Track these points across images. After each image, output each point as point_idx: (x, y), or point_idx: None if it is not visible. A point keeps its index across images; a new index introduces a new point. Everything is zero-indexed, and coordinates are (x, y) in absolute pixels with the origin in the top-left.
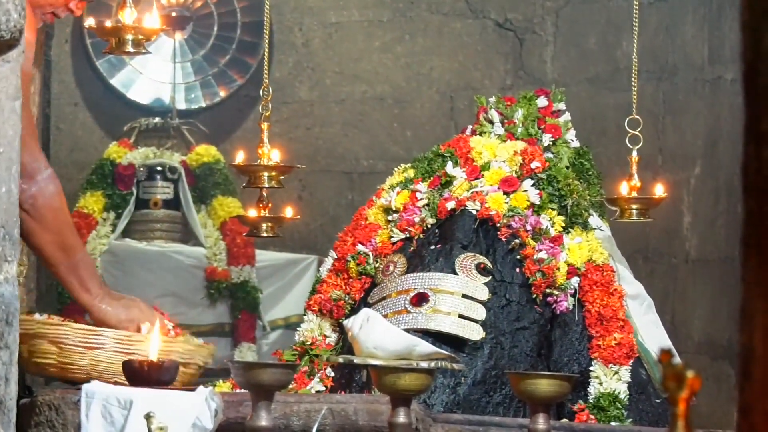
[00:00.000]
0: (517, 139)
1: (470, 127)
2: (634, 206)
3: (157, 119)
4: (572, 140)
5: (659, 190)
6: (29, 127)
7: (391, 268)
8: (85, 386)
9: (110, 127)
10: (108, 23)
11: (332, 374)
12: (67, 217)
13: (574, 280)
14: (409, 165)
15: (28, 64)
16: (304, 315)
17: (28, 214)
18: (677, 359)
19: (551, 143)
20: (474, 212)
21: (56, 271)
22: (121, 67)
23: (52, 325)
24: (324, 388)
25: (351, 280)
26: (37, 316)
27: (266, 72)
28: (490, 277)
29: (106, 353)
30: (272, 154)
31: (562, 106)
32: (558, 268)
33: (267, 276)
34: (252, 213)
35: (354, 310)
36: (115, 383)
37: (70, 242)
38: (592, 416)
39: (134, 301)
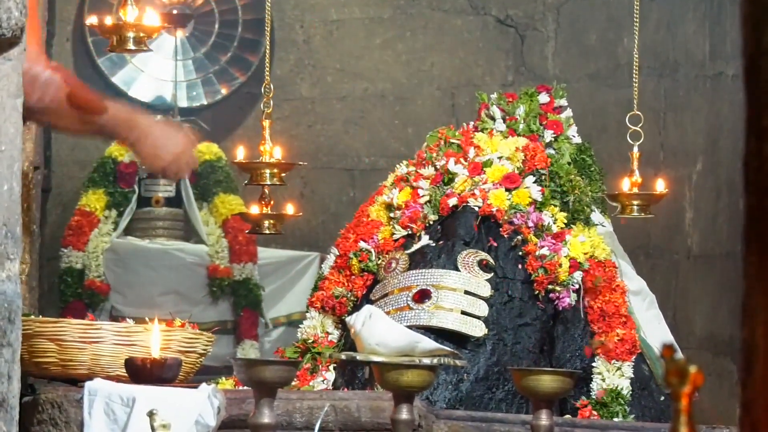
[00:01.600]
0: (518, 135)
1: (472, 123)
2: (636, 202)
3: (158, 117)
4: (574, 136)
5: (660, 186)
6: (33, 32)
7: (393, 265)
8: (87, 384)
9: None
10: (109, 21)
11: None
12: (81, 96)
13: (577, 274)
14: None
15: None
16: (307, 312)
17: (43, 113)
18: (679, 354)
19: (553, 139)
20: (476, 209)
21: (100, 135)
22: (123, 65)
23: (49, 322)
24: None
25: (353, 277)
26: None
27: (267, 69)
28: (492, 274)
29: (106, 347)
30: (274, 152)
31: (563, 102)
32: (560, 265)
33: (269, 273)
34: (254, 210)
35: (356, 307)
36: (117, 377)
37: (94, 107)
38: (594, 412)
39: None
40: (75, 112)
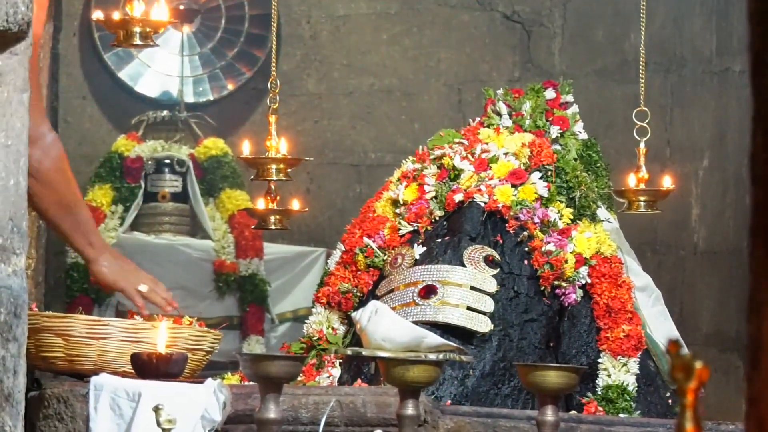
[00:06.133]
0: (525, 131)
1: (478, 119)
2: (643, 198)
3: (165, 112)
4: (580, 132)
5: (667, 182)
6: (35, 92)
7: (399, 261)
8: (93, 379)
9: (118, 121)
10: (116, 16)
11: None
12: (69, 177)
13: (583, 270)
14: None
15: (39, 26)
16: (313, 308)
17: (34, 177)
18: (685, 350)
19: (559, 135)
20: (482, 204)
21: (61, 229)
22: (129, 60)
23: (57, 317)
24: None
25: (359, 272)
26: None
27: (274, 65)
28: (498, 269)
29: (114, 343)
30: (280, 147)
31: (569, 98)
32: (566, 261)
33: (275, 269)
34: (260, 206)
35: (362, 303)
36: (123, 373)
37: (73, 200)
38: (600, 408)
39: (132, 265)
40: (61, 191)
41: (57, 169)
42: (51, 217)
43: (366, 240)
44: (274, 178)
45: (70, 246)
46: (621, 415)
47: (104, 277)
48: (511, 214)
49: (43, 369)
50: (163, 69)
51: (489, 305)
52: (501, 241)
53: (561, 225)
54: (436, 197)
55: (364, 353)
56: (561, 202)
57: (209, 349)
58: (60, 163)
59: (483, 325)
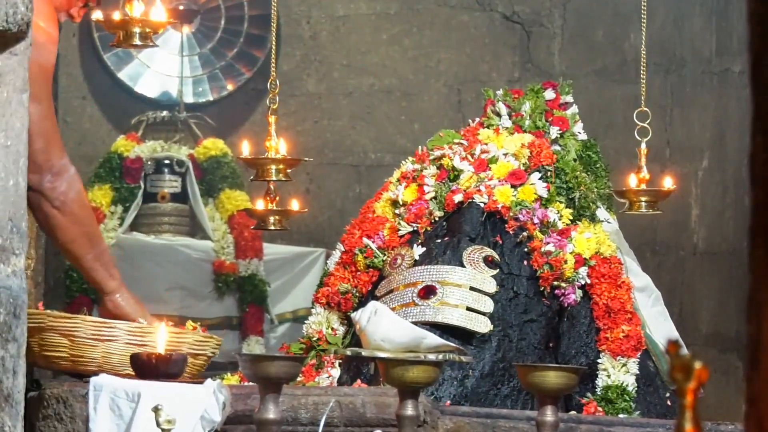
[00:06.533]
0: (524, 131)
1: (478, 119)
2: (643, 198)
3: (164, 113)
4: (580, 133)
5: (668, 183)
6: (54, 126)
7: (399, 261)
8: (93, 379)
9: (118, 121)
10: (115, 16)
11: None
12: (91, 210)
13: (582, 270)
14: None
15: (52, 57)
16: (312, 308)
17: (59, 210)
18: (685, 350)
19: (559, 136)
20: (482, 205)
21: (83, 262)
22: (129, 60)
23: (63, 318)
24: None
25: (358, 273)
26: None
27: (273, 65)
28: (497, 270)
29: (118, 345)
30: (279, 147)
31: (569, 98)
32: (565, 261)
33: (275, 269)
34: (259, 206)
35: (362, 303)
36: (127, 375)
37: (96, 232)
38: (600, 408)
39: (139, 302)
40: (86, 223)
41: (81, 202)
42: (75, 249)
43: (365, 240)
44: (274, 178)
45: (89, 278)
46: (620, 416)
47: (122, 310)
48: (511, 214)
49: (44, 367)
50: (162, 69)
51: (488, 306)
52: (500, 242)
53: (560, 225)
54: (435, 198)
55: (363, 354)
56: (560, 202)
57: (211, 355)
58: (83, 196)
59: (482, 325)
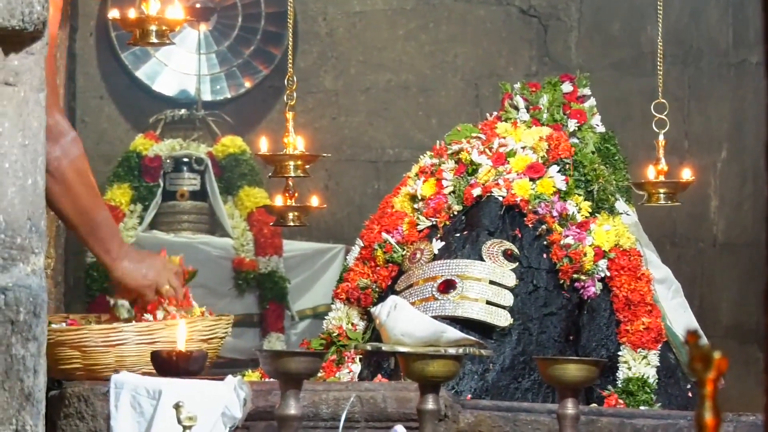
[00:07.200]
0: (542, 125)
1: (495, 113)
2: (662, 190)
3: (182, 111)
4: (597, 125)
5: (687, 174)
6: (53, 92)
7: (418, 256)
8: (114, 377)
9: (136, 120)
10: (132, 14)
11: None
12: (89, 179)
13: (602, 263)
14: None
15: (54, 25)
16: (332, 304)
17: (53, 176)
18: (704, 340)
19: (576, 129)
20: (500, 198)
21: (79, 233)
22: (146, 59)
23: (70, 331)
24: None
25: (378, 268)
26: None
27: (291, 62)
28: (517, 263)
29: (130, 347)
30: (297, 144)
31: (587, 91)
32: (585, 254)
33: (294, 266)
34: (278, 203)
35: (381, 298)
36: (143, 374)
37: (91, 204)
38: (620, 401)
39: (154, 260)
40: (79, 192)
41: (75, 168)
42: (68, 219)
43: (384, 235)
44: (292, 175)
45: (90, 251)
46: (642, 408)
47: (126, 285)
48: (530, 207)
49: (62, 379)
50: (180, 67)
51: (508, 299)
52: (519, 235)
53: (579, 218)
54: (454, 192)
55: (383, 348)
56: (579, 195)
57: (223, 335)
58: (79, 163)
59: (502, 319)
